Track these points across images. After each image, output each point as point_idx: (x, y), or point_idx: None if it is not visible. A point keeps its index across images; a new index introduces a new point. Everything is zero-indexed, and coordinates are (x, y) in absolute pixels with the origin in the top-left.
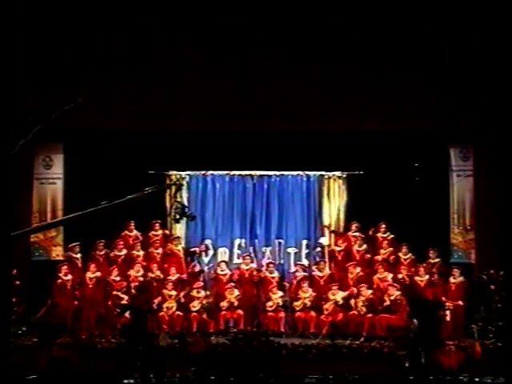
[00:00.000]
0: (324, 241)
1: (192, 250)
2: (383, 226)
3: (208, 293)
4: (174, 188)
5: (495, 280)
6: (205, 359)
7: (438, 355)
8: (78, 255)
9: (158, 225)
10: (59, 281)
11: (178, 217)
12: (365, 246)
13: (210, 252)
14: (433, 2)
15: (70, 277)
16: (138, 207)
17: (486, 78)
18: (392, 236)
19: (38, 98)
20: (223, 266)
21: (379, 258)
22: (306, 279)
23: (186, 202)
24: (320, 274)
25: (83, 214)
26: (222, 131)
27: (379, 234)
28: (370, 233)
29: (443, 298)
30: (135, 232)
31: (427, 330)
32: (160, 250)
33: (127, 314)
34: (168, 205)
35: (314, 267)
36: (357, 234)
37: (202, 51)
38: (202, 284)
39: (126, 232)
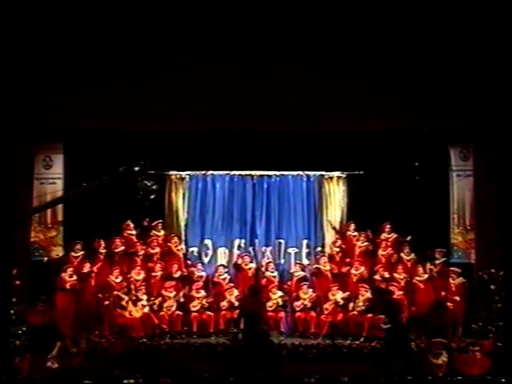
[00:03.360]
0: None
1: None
2: (388, 226)
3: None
4: (138, 170)
5: (495, 280)
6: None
7: (461, 362)
8: (78, 254)
9: (160, 225)
10: (63, 281)
11: (141, 193)
12: (366, 243)
13: (210, 252)
14: (433, 1)
15: (74, 277)
16: (113, 188)
17: (486, 78)
18: (395, 236)
19: (38, 99)
20: (221, 269)
21: (381, 258)
22: (305, 279)
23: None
24: (327, 268)
25: (67, 195)
26: (222, 131)
27: (383, 235)
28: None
29: (443, 298)
30: (135, 232)
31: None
32: (157, 250)
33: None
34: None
35: (320, 263)
36: (356, 233)
37: (202, 51)
38: (201, 284)
39: (129, 231)
